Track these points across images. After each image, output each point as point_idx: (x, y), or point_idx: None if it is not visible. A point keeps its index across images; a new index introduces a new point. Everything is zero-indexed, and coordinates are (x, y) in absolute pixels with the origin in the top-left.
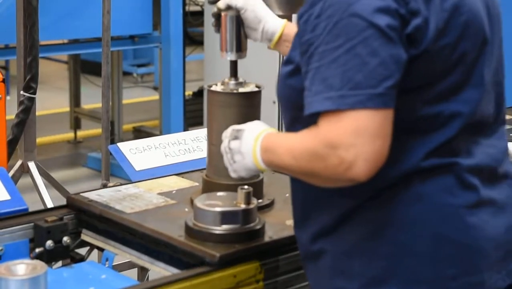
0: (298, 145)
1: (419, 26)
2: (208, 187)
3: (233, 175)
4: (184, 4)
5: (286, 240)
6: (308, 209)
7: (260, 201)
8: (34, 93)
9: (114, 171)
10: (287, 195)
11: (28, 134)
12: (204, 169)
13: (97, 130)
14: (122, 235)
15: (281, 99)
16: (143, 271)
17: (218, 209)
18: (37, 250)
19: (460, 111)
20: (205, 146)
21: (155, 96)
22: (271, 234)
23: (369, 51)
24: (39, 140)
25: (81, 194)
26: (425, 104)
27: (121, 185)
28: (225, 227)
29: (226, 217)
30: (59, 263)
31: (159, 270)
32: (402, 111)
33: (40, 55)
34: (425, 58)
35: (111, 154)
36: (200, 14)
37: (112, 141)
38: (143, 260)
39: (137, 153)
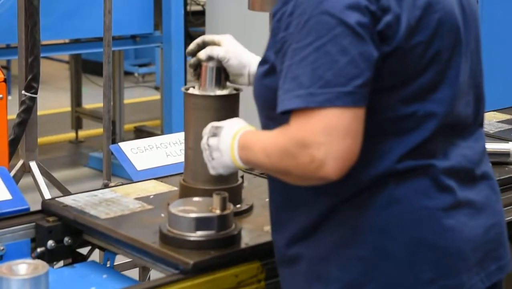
0: (271, 142)
1: (390, 23)
2: (185, 192)
3: (212, 171)
4: (185, 4)
5: (263, 246)
6: (283, 212)
7: (238, 206)
8: (36, 93)
9: (115, 171)
10: (267, 200)
11: (30, 134)
12: None
13: (98, 130)
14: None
15: (257, 99)
16: (144, 271)
17: (192, 215)
18: (39, 249)
19: (434, 112)
20: None
21: (157, 96)
22: (247, 240)
23: (339, 49)
24: (40, 140)
25: (56, 199)
26: (399, 103)
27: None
28: (200, 233)
29: (200, 223)
30: (61, 263)
31: (160, 270)
32: (375, 111)
33: (42, 55)
34: (397, 56)
35: (112, 153)
36: (201, 13)
37: (114, 141)
38: (145, 260)
39: (138, 153)
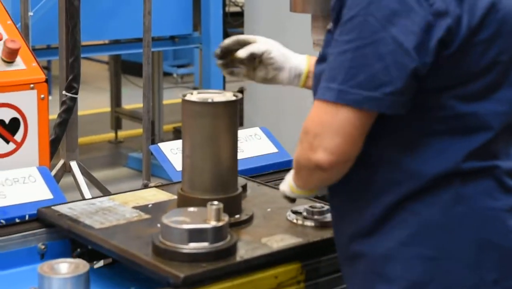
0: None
1: (450, 27)
2: (183, 202)
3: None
4: (224, 5)
5: (258, 260)
6: (345, 209)
7: (237, 216)
8: (76, 93)
9: (154, 171)
10: (269, 210)
11: (70, 134)
12: None
13: (137, 130)
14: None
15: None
16: None
17: (185, 226)
18: (79, 249)
19: (497, 111)
20: (245, 146)
21: None
22: (242, 253)
23: (376, 54)
24: (80, 140)
25: (52, 207)
26: (459, 102)
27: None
28: (192, 245)
29: (193, 235)
30: (101, 263)
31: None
32: (438, 110)
33: (82, 55)
34: (458, 56)
35: (152, 154)
36: (240, 15)
37: (153, 142)
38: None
39: (178, 153)
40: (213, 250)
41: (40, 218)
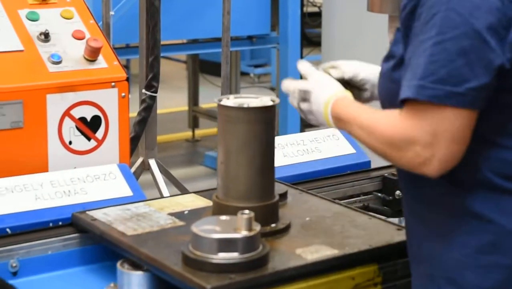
0: (376, 126)
1: None
2: (218, 209)
3: (315, 122)
4: (302, 5)
5: (289, 272)
6: (420, 210)
7: (272, 225)
8: (156, 92)
9: None
10: (308, 219)
11: (149, 132)
12: None
13: (214, 129)
14: None
15: (382, 95)
16: None
17: (214, 236)
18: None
19: None
20: (323, 146)
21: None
22: (274, 264)
23: (458, 49)
24: (158, 138)
25: (87, 212)
26: None
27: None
28: (221, 255)
29: (222, 245)
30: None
31: None
32: (501, 110)
33: (161, 54)
34: None
35: None
36: (317, 15)
37: None
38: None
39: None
40: (243, 261)
41: (74, 223)
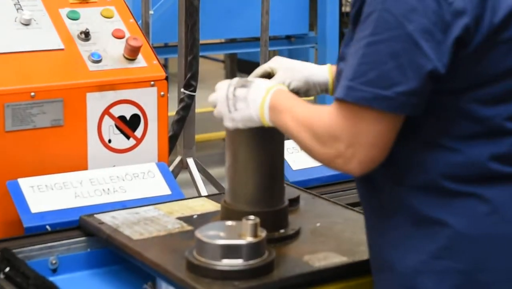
0: (307, 119)
1: (468, 26)
2: (225, 214)
3: (228, 123)
4: (340, 5)
5: (295, 279)
6: (376, 218)
7: (281, 231)
8: (194, 91)
9: None
10: (318, 224)
11: (188, 131)
12: None
13: None
14: None
15: None
16: None
17: (218, 242)
18: None
19: None
20: None
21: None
22: (280, 271)
23: (390, 51)
24: (196, 137)
25: (94, 215)
26: (483, 106)
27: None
28: (225, 262)
29: (226, 251)
30: None
31: None
32: (459, 113)
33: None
34: (479, 57)
35: None
36: None
37: None
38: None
39: (294, 152)
40: (247, 268)
41: (81, 226)
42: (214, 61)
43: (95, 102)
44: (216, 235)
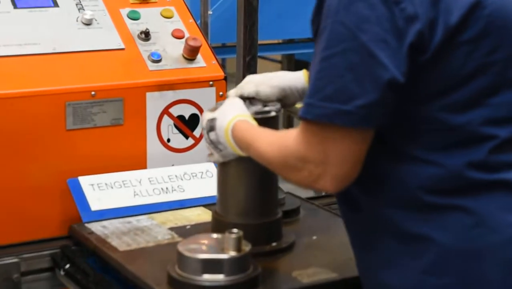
0: (269, 151)
1: (422, 31)
2: (216, 226)
3: (222, 159)
4: None
5: None
6: (362, 240)
7: (273, 244)
8: None
9: None
10: (315, 237)
11: None
12: None
13: None
14: None
15: None
16: None
17: (198, 256)
18: None
19: (497, 118)
20: None
21: None
22: (265, 287)
23: (346, 64)
24: None
25: (85, 224)
26: (453, 113)
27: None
28: (206, 277)
29: (207, 266)
30: None
31: None
32: (428, 123)
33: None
34: (439, 61)
35: None
36: None
37: None
38: None
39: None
40: (228, 284)
41: (71, 235)
42: (271, 61)
43: (155, 102)
44: (198, 248)
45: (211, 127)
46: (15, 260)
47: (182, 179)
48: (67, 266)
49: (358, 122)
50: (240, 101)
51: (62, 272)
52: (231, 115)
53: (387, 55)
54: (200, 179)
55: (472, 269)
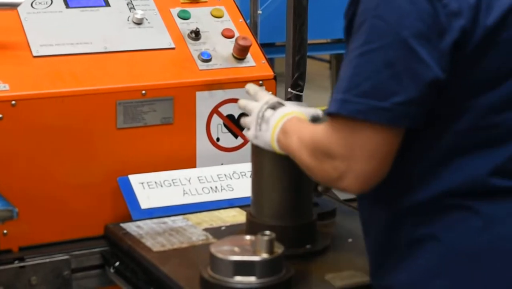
0: (305, 136)
1: (465, 28)
2: (250, 227)
3: (253, 140)
4: None
5: None
6: (374, 234)
7: (308, 246)
8: (301, 91)
9: None
10: (350, 240)
11: None
12: None
13: None
14: None
15: None
16: None
17: (230, 258)
18: None
19: None
20: None
21: None
22: None
23: (385, 60)
24: None
25: (121, 224)
26: (487, 112)
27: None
28: (238, 279)
29: (239, 268)
30: None
31: None
32: (462, 121)
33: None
34: (478, 59)
35: None
36: None
37: None
38: None
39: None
40: (260, 286)
41: (106, 235)
42: (319, 61)
43: (204, 101)
44: (231, 250)
45: (274, 107)
46: (66, 257)
47: (231, 178)
48: (117, 263)
49: (394, 120)
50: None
51: (112, 270)
52: (300, 109)
53: (428, 52)
54: (249, 178)
55: (478, 275)
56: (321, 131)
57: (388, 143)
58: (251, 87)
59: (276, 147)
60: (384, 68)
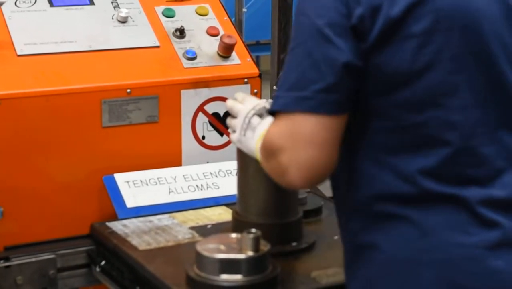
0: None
1: (362, 16)
2: (237, 226)
3: (236, 144)
4: None
5: None
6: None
7: (293, 244)
8: None
9: None
10: (336, 237)
11: None
12: None
13: None
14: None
15: None
16: None
17: (217, 256)
18: None
19: (451, 122)
20: None
21: None
22: (283, 287)
23: (306, 52)
24: None
25: (106, 223)
26: (406, 111)
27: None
28: (224, 277)
29: (225, 266)
30: None
31: None
32: (383, 120)
33: None
34: (384, 52)
35: None
36: None
37: None
38: None
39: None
40: (246, 284)
41: (91, 234)
42: None
43: (190, 99)
44: (217, 248)
45: (261, 114)
46: (52, 256)
47: (217, 176)
48: (103, 262)
49: (316, 107)
50: None
51: (98, 269)
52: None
53: (341, 38)
54: (234, 176)
55: (412, 282)
56: (267, 132)
57: (322, 129)
58: (239, 96)
59: (259, 156)
60: (304, 60)
